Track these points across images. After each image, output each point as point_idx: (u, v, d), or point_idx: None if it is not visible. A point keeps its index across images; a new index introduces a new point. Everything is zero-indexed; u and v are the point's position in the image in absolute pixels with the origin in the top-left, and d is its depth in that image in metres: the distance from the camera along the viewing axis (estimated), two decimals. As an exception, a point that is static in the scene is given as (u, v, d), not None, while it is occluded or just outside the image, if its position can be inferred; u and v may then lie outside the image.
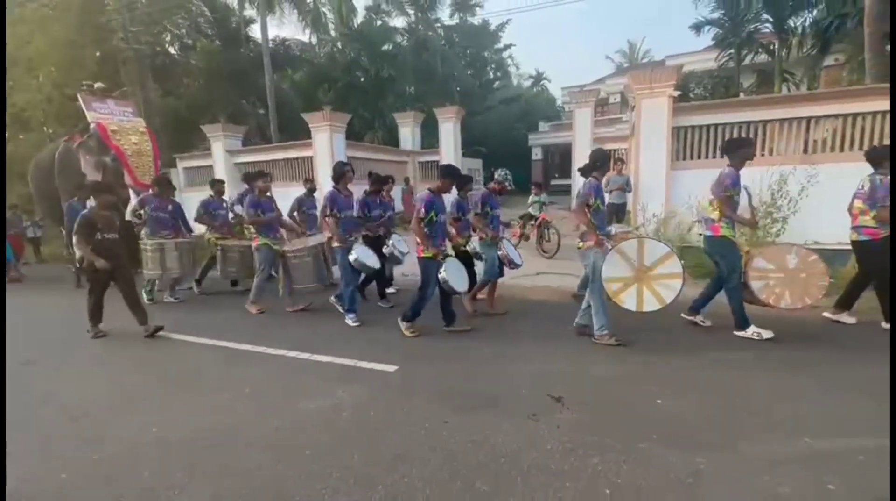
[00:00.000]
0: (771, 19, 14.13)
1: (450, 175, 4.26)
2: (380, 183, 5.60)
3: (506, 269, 5.06)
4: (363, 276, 5.23)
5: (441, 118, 15.07)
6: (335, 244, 4.85)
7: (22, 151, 13.35)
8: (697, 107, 8.51)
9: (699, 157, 8.20)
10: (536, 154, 28.21)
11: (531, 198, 9.50)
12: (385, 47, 19.44)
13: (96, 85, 9.17)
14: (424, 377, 3.48)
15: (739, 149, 3.98)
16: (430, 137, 16.86)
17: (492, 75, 29.09)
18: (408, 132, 15.73)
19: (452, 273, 4.21)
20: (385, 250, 5.01)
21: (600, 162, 4.03)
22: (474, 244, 4.89)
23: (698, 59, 18.97)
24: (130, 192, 8.72)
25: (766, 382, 3.19)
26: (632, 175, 8.80)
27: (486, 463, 2.33)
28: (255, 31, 17.90)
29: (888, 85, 7.32)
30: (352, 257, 4.59)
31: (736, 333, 4.04)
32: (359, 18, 21.68)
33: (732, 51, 15.18)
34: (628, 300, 3.95)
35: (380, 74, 17.67)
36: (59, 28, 12.06)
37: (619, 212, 8.81)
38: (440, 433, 2.63)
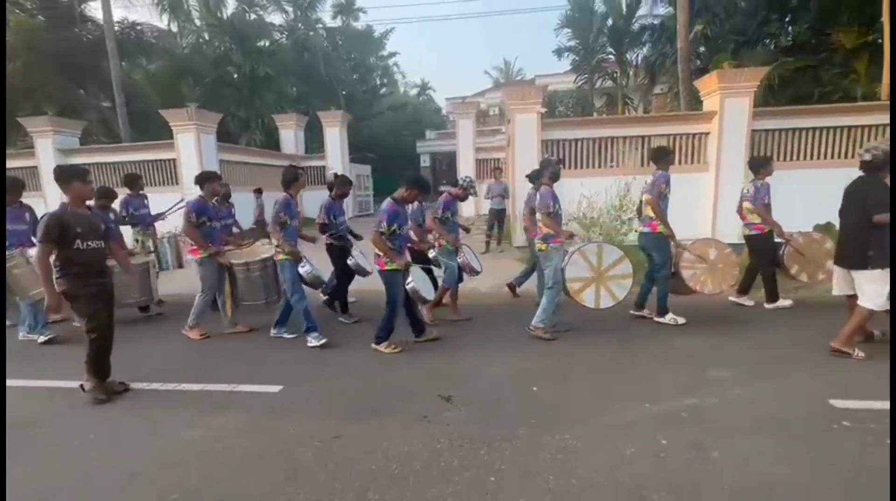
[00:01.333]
0: (613, 52, 16.71)
1: (418, 186, 4.01)
2: (346, 185, 5.19)
3: (465, 275, 4.98)
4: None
5: (326, 123, 14.61)
6: (280, 257, 4.25)
7: None
8: (561, 123, 9.63)
9: (565, 167, 9.26)
10: (425, 161, 28.89)
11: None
12: (260, 43, 18.12)
13: None
14: (312, 393, 3.33)
15: (666, 156, 4.63)
16: (314, 141, 16.22)
17: (378, 82, 29.14)
18: (290, 135, 14.92)
19: (420, 282, 4.05)
20: (350, 261, 4.70)
21: (551, 170, 4.36)
22: (434, 251, 4.73)
23: (561, 81, 21.45)
24: None
25: (629, 361, 3.75)
26: (510, 183, 9.58)
27: (379, 471, 2.33)
28: (93, 10, 15.28)
29: (701, 111, 9.20)
30: (304, 270, 4.24)
31: (656, 319, 4.58)
32: (229, 9, 19.99)
33: (587, 76, 17.56)
34: (588, 298, 4.44)
35: (255, 72, 16.40)
36: None
37: (499, 216, 9.47)
38: (331, 448, 2.55)
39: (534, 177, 5.18)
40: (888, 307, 3.33)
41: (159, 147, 10.73)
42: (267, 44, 18.61)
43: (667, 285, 4.60)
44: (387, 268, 3.94)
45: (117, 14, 13.67)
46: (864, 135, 8.48)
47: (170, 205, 6.06)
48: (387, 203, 3.98)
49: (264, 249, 4.91)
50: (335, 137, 14.65)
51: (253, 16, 20.19)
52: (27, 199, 5.05)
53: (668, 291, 4.62)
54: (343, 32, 23.64)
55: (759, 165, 5.21)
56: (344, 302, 5.21)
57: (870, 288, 3.38)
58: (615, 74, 17.22)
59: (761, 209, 4.96)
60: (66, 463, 2.54)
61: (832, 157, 8.57)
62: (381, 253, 3.94)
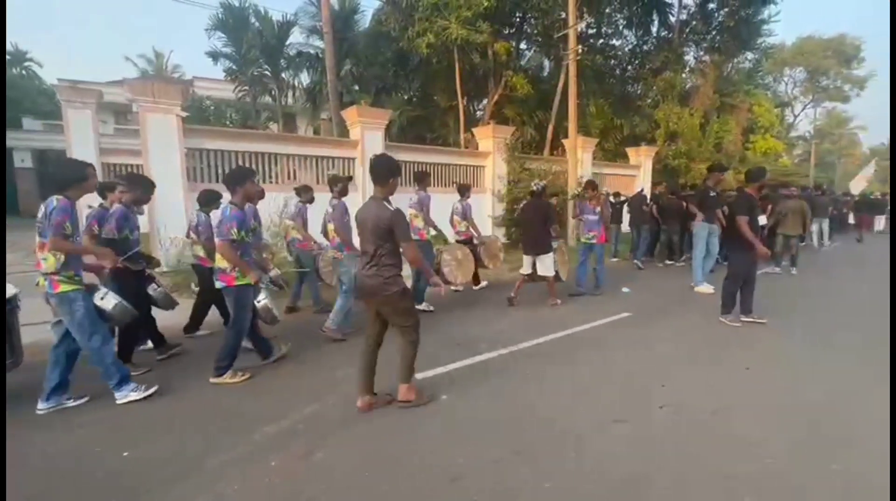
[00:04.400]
0: (269, 69, 16.81)
1: (239, 181, 3.54)
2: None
3: None
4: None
5: None
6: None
7: None
8: (208, 132, 8.76)
9: (218, 181, 8.45)
10: (23, 160, 20.61)
11: None
12: None
13: None
14: None
15: (425, 179, 5.86)
16: None
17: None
18: None
19: (272, 299, 3.78)
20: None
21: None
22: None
23: (225, 88, 19.90)
24: None
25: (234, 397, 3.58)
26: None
27: None
28: None
29: (348, 139, 10.38)
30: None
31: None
32: None
33: (247, 88, 16.90)
34: None
35: None
36: None
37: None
38: None
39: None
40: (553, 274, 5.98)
41: None
42: None
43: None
44: (238, 283, 3.48)
45: None
46: (456, 171, 11.79)
47: None
48: (229, 208, 3.48)
49: None
50: None
51: None
52: None
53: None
54: None
55: (467, 186, 6.97)
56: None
57: (548, 263, 5.89)
58: (273, 92, 17.34)
59: (470, 221, 6.80)
60: None
61: (445, 186, 11.46)
62: (229, 265, 3.46)
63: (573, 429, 2.85)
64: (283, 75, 16.47)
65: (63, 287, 2.93)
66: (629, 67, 17.05)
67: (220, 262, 3.50)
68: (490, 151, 11.80)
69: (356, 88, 16.09)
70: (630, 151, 15.12)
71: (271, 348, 4.00)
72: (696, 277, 7.21)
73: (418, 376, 3.42)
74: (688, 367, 3.92)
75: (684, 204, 9.10)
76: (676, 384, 3.53)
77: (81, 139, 10.82)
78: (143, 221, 7.67)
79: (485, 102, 15.17)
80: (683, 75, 16.63)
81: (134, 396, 3.21)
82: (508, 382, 3.61)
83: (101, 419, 3.00)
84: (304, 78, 17.28)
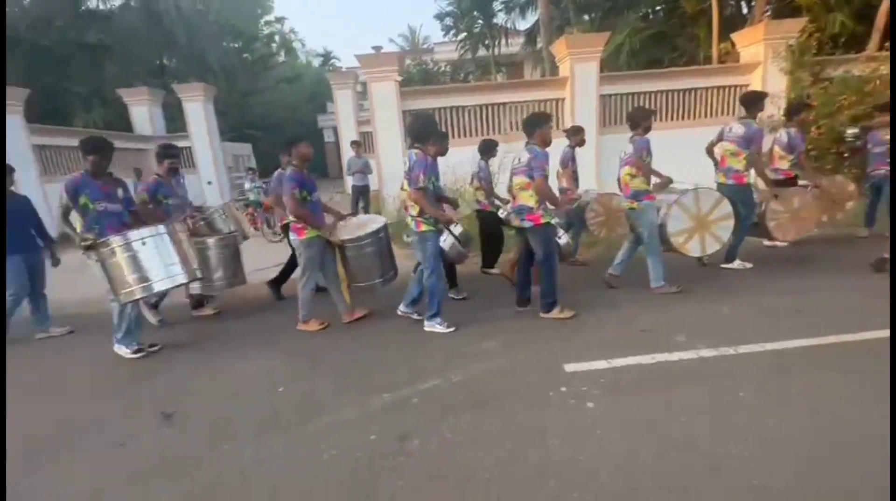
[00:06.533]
0: (482, 18, 16.43)
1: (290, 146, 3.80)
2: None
3: None
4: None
5: (185, 97, 12.96)
6: (423, 228, 3.58)
7: None
8: (417, 92, 9.26)
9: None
10: (329, 136, 27.42)
11: (248, 184, 9.34)
12: (91, 5, 15.36)
13: None
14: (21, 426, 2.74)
15: (645, 120, 4.20)
16: (180, 119, 14.43)
17: (273, 49, 26.71)
18: (143, 114, 13.09)
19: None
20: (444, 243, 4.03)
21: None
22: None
23: (457, 49, 21.10)
24: None
25: (378, 350, 3.53)
26: (374, 158, 9.13)
27: None
28: None
29: (556, 77, 9.31)
30: (446, 243, 3.87)
31: (724, 265, 4.72)
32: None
33: (467, 42, 17.18)
34: (693, 248, 4.27)
35: (84, 40, 13.96)
36: None
37: (363, 194, 9.05)
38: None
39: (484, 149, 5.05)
40: None
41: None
42: (101, 5, 15.89)
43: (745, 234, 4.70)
44: (543, 221, 3.65)
45: None
46: (705, 96, 9.10)
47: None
48: (289, 170, 3.73)
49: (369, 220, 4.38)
50: (198, 112, 13.07)
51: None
52: None
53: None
54: (215, -2, 21.09)
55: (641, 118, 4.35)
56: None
57: None
58: (487, 41, 17.06)
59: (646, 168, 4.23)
60: None
61: (679, 118, 9.12)
62: (534, 204, 3.63)
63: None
64: (494, 21, 16.02)
65: (423, 227, 3.56)
66: None
67: (528, 200, 3.63)
68: (759, 61, 8.53)
69: (581, 18, 14.21)
70: None
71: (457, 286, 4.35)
72: None
73: (577, 366, 2.70)
74: None
75: None
76: None
77: (345, 115, 13.40)
78: (371, 178, 9.05)
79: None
80: None
81: (438, 329, 3.66)
82: (701, 397, 2.43)
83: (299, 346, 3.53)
84: (523, 24, 16.41)
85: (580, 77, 8.54)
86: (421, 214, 3.53)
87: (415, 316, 3.95)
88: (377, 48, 8.92)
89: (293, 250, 4.55)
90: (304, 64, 33.37)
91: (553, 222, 3.76)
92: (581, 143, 5.19)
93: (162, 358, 3.58)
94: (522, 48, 16.88)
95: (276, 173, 4.69)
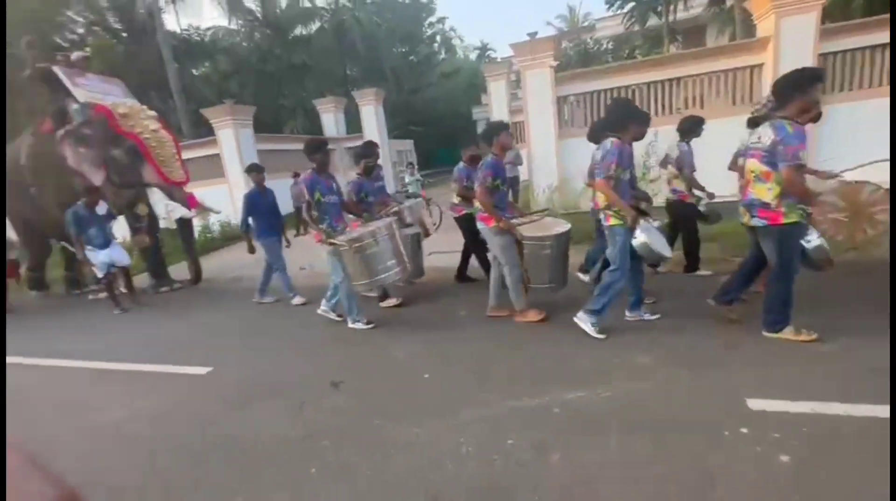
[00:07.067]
0: None
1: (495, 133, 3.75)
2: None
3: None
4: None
5: (361, 102, 14.83)
6: (612, 221, 3.36)
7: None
8: (574, 76, 8.63)
9: (580, 125, 8.39)
10: (482, 128, 28.09)
11: (408, 177, 9.95)
12: (297, 32, 18.72)
13: (74, 55, 6.60)
14: (236, 377, 3.53)
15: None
16: (358, 121, 16.58)
17: (435, 48, 28.62)
18: (330, 119, 15.42)
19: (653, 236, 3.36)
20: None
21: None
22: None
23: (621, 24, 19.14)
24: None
25: (516, 348, 3.40)
26: (525, 148, 8.95)
27: (238, 455, 2.44)
28: (168, 20, 17.03)
29: (752, 39, 7.65)
30: (637, 242, 3.32)
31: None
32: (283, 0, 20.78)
33: (634, 14, 15.24)
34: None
35: (291, 61, 17.08)
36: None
37: (513, 185, 8.95)
38: (223, 431, 2.70)
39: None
40: None
41: (205, 145, 11.77)
42: (303, 31, 19.13)
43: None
44: (784, 222, 2.81)
45: (185, 21, 14.96)
46: None
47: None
48: (489, 157, 3.69)
49: (554, 222, 4.23)
50: (371, 114, 14.83)
51: (307, 2, 20.75)
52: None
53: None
54: (389, 6, 23.41)
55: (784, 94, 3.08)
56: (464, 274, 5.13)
57: None
58: (660, 8, 14.74)
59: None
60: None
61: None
62: (772, 200, 2.82)
63: None
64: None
65: (612, 221, 3.29)
66: None
67: (764, 194, 2.86)
68: None
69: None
70: None
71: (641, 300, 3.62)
72: None
73: (767, 404, 2.20)
74: None
75: None
76: None
77: (499, 104, 13.45)
78: (520, 170, 8.90)
79: None
80: None
81: (587, 328, 3.34)
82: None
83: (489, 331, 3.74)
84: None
85: (789, 34, 6.84)
86: (609, 206, 3.24)
87: (646, 316, 3.57)
88: (532, 34, 8.57)
89: (468, 237, 4.75)
90: (462, 58, 34.77)
91: (801, 221, 2.86)
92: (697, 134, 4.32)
93: (343, 335, 4.14)
94: (706, 9, 14.33)
95: (459, 166, 4.81)
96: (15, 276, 7.53)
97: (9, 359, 4.32)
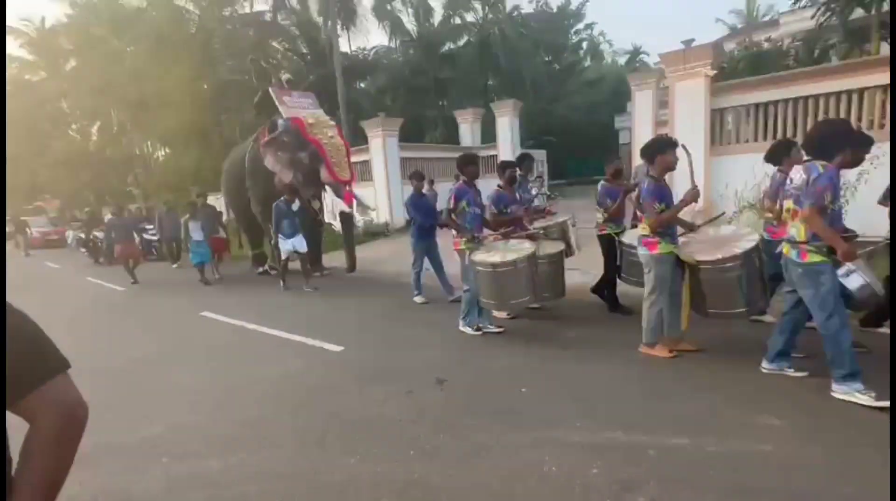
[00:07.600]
0: None
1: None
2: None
3: None
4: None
5: (498, 113, 15.28)
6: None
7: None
8: (735, 86, 7.63)
9: (738, 141, 7.41)
10: (625, 138, 26.36)
11: (535, 191, 9.77)
12: (445, 48, 20.03)
13: (284, 77, 8.81)
14: (362, 358, 4.13)
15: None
16: (492, 131, 17.15)
17: (580, 55, 27.86)
18: (467, 129, 16.23)
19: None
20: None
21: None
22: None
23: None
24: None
25: (627, 379, 3.27)
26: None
27: (357, 424, 2.93)
28: (342, 43, 20.06)
29: None
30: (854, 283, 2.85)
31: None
32: (436, 18, 22.55)
33: (835, 4, 12.43)
34: None
35: (438, 75, 18.38)
36: (179, 70, 15.06)
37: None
38: (347, 403, 3.28)
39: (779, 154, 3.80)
40: None
41: (357, 152, 13.44)
42: (451, 47, 20.39)
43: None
44: (807, 260, 2.74)
45: (356, 43, 17.43)
46: None
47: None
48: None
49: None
50: (506, 125, 15.19)
51: (457, 19, 22.24)
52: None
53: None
54: (534, 18, 23.57)
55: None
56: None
57: None
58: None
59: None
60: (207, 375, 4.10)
61: None
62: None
63: None
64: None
65: (811, 257, 2.74)
66: None
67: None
68: None
69: None
70: None
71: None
72: None
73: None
74: None
75: None
76: None
77: (643, 116, 12.54)
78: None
79: None
80: None
81: (859, 398, 2.64)
82: None
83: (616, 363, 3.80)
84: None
85: None
86: (809, 240, 2.73)
87: (789, 372, 3.07)
88: (688, 42, 7.87)
89: (607, 256, 4.56)
90: (608, 64, 33.01)
91: (826, 261, 2.68)
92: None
93: (458, 338, 4.46)
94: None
95: (602, 183, 4.67)
96: (225, 251, 10.06)
97: (207, 314, 5.75)
